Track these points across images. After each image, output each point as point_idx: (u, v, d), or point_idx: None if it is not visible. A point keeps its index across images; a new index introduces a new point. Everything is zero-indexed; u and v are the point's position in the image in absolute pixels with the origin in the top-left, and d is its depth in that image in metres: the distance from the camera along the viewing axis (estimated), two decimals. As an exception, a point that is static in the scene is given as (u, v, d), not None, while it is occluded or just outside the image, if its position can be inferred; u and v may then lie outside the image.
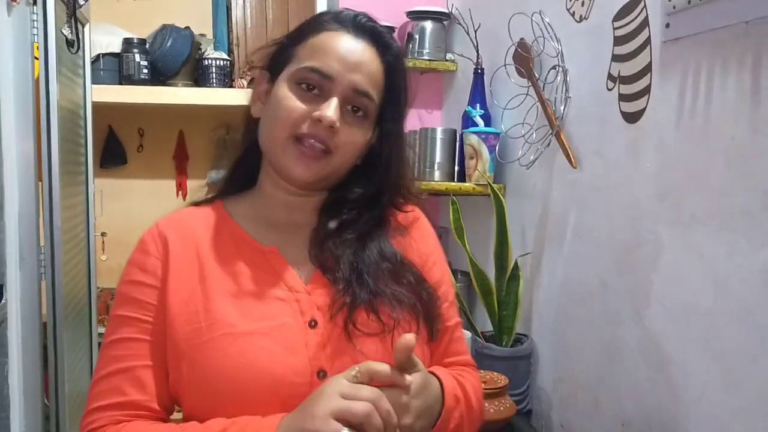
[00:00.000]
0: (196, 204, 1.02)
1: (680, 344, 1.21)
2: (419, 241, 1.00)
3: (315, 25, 0.95)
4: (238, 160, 1.03)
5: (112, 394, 0.88)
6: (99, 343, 2.63)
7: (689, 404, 1.18)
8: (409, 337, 0.78)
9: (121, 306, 0.91)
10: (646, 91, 1.29)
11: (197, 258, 0.92)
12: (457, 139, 2.04)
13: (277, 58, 0.96)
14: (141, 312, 0.90)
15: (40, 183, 1.93)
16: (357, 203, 0.98)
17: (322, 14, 0.99)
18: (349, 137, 0.91)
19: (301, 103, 0.90)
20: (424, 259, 0.99)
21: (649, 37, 1.28)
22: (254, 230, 0.96)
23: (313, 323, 0.87)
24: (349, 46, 0.92)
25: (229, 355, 0.84)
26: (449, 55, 2.26)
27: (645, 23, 1.29)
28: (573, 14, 1.55)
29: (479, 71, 1.99)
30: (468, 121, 1.96)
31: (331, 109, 0.88)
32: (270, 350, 0.85)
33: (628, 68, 1.35)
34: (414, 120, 2.35)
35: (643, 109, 1.30)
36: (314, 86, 0.90)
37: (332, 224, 0.96)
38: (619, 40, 1.38)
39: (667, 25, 1.22)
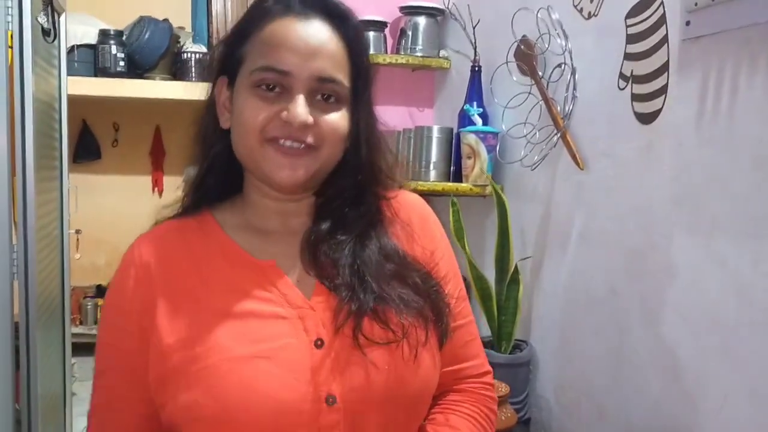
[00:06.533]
0: (179, 216, 0.92)
1: (698, 354, 1.17)
2: (422, 235, 0.93)
3: (258, 15, 0.85)
4: (208, 168, 0.92)
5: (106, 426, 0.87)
6: (72, 343, 2.55)
7: (708, 416, 1.14)
8: None
9: (100, 359, 0.87)
10: (663, 90, 1.25)
11: (187, 278, 0.84)
12: (453, 138, 1.98)
13: (229, 61, 0.87)
14: (121, 362, 0.85)
15: (13, 178, 1.83)
16: (345, 199, 0.89)
17: (261, 1, 0.87)
18: (330, 126, 0.83)
19: (265, 104, 0.81)
20: (428, 254, 0.91)
21: (667, 35, 1.24)
22: (248, 243, 0.87)
23: (319, 342, 0.80)
24: (301, 31, 0.82)
25: (229, 382, 0.77)
26: (443, 52, 2.20)
27: (662, 21, 1.25)
28: (581, 11, 1.50)
29: (477, 68, 1.93)
30: (465, 119, 1.90)
31: (298, 107, 0.80)
32: (275, 375, 0.77)
33: (643, 67, 1.30)
34: (405, 118, 2.29)
35: (660, 110, 1.26)
36: (274, 85, 0.82)
37: (324, 225, 0.88)
38: (632, 38, 1.33)
39: (688, 23, 1.17)
